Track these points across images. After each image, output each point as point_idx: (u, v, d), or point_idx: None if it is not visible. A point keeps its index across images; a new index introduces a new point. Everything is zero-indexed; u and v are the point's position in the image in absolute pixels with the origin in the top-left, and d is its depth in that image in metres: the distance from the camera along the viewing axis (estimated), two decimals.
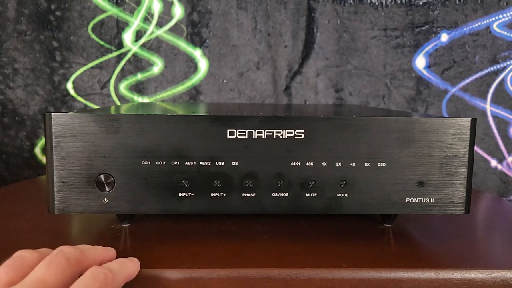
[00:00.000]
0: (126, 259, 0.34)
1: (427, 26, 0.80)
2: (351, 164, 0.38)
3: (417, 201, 0.39)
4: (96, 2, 0.80)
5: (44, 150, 0.59)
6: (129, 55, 0.81)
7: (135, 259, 0.35)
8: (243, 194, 0.38)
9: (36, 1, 0.79)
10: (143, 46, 0.81)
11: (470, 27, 0.79)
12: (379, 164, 0.38)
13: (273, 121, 0.37)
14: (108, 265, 0.32)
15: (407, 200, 0.39)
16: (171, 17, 0.81)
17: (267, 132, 0.38)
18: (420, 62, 0.81)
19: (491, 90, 0.80)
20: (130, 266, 0.33)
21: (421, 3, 0.79)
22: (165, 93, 0.83)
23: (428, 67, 0.81)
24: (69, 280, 0.29)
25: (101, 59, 0.81)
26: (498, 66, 0.80)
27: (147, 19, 0.81)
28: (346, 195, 0.39)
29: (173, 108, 0.55)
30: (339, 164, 0.38)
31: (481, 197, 0.63)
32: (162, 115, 0.37)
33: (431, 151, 0.38)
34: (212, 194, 0.38)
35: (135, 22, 0.81)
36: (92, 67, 0.82)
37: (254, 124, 0.37)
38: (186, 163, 0.38)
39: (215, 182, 0.38)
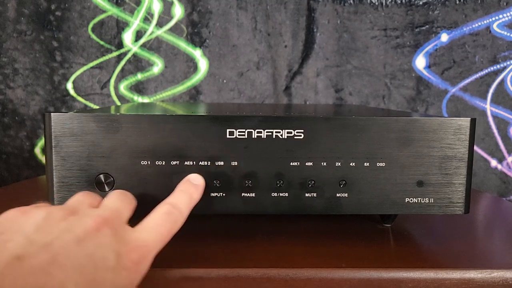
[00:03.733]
0: (191, 186, 0.36)
1: (427, 26, 0.80)
2: (351, 164, 0.38)
3: (416, 201, 0.39)
4: (96, 2, 0.80)
5: (44, 150, 0.59)
6: (129, 55, 0.81)
7: (200, 182, 0.36)
8: (243, 194, 0.38)
9: (36, 1, 0.79)
10: (143, 46, 0.81)
11: (470, 27, 0.79)
12: (378, 164, 0.38)
13: (272, 121, 0.37)
14: (178, 201, 0.34)
15: (406, 200, 0.39)
16: (171, 17, 0.81)
17: (266, 132, 0.38)
18: (420, 62, 0.81)
19: (491, 90, 0.80)
20: (195, 196, 0.36)
21: (421, 3, 0.79)
22: (165, 93, 0.83)
23: (428, 67, 0.81)
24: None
25: (101, 59, 0.81)
26: (498, 66, 0.80)
27: (147, 19, 0.81)
28: (346, 195, 0.39)
29: (173, 108, 0.55)
30: (339, 164, 0.38)
31: (480, 197, 0.63)
32: (162, 115, 0.37)
33: (431, 151, 0.38)
34: (212, 194, 0.38)
35: (135, 22, 0.81)
36: (92, 67, 0.82)
37: (254, 124, 0.37)
38: (185, 163, 0.38)
39: (214, 182, 0.38)
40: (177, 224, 0.33)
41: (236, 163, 0.38)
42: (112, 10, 0.80)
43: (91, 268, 0.26)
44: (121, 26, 0.81)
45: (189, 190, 0.36)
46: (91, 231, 0.27)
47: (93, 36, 0.81)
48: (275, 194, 0.38)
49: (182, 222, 0.34)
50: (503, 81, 0.80)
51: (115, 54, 0.81)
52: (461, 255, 0.39)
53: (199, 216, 0.47)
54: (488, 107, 0.81)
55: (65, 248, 0.25)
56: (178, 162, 0.37)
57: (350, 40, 0.81)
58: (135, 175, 0.37)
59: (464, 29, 0.79)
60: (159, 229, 0.31)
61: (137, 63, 0.82)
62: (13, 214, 0.28)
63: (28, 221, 0.27)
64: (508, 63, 0.79)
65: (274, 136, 0.38)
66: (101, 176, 0.37)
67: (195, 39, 0.81)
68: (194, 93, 0.83)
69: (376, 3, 0.80)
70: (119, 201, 0.33)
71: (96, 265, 0.26)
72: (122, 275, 0.27)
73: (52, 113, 0.36)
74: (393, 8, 0.80)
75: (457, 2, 0.79)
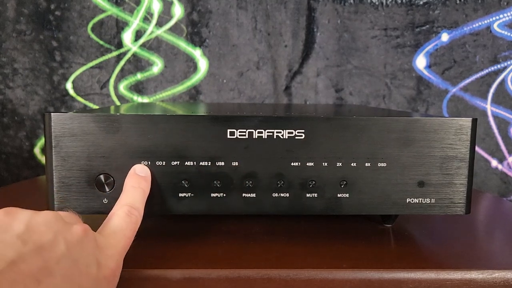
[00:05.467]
0: (141, 180, 0.36)
1: (427, 26, 0.80)
2: (352, 164, 0.38)
3: (417, 201, 0.39)
4: (95, 2, 0.80)
5: (43, 150, 0.59)
6: (128, 55, 0.81)
7: (147, 173, 0.36)
8: (243, 194, 0.38)
9: (35, 1, 0.79)
10: (143, 46, 0.81)
11: (471, 27, 0.79)
12: (379, 164, 0.38)
13: (273, 121, 0.37)
14: (135, 200, 0.34)
15: (407, 201, 0.39)
16: (171, 17, 0.81)
17: (267, 132, 0.37)
18: (420, 62, 0.81)
19: (491, 90, 0.80)
20: (147, 189, 0.36)
21: (421, 2, 0.79)
22: (165, 93, 0.83)
23: (429, 67, 0.81)
24: None
25: (100, 59, 0.81)
26: (499, 66, 0.80)
27: (146, 18, 0.80)
28: (347, 195, 0.39)
29: (173, 108, 0.55)
30: (340, 164, 0.38)
31: (481, 197, 0.63)
32: (162, 115, 0.37)
33: (432, 151, 0.38)
34: (212, 194, 0.38)
35: (135, 22, 0.80)
36: (91, 67, 0.81)
37: (255, 124, 0.37)
38: (186, 163, 0.37)
39: (215, 182, 0.38)
40: (137, 224, 0.33)
41: (236, 163, 0.38)
42: (112, 10, 0.80)
43: (77, 275, 0.25)
44: (120, 25, 0.81)
45: (141, 185, 0.35)
46: (79, 236, 0.27)
47: (93, 36, 0.81)
48: (276, 195, 0.38)
49: (141, 220, 0.34)
50: (503, 81, 0.80)
51: (114, 54, 0.81)
52: (462, 255, 0.39)
53: (199, 216, 0.47)
54: (488, 107, 0.81)
55: (56, 252, 0.25)
56: (178, 162, 0.37)
57: (351, 39, 0.81)
58: None
59: (465, 29, 0.79)
60: (125, 233, 0.31)
61: (137, 63, 0.82)
62: None
63: (15, 220, 0.25)
64: (509, 63, 0.79)
65: (275, 136, 0.37)
66: (101, 176, 0.37)
67: (195, 38, 0.81)
68: (194, 93, 0.83)
69: (377, 3, 0.80)
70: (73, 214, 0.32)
71: (81, 272, 0.26)
72: (103, 285, 0.27)
73: (52, 113, 0.36)
74: (394, 8, 0.80)
75: (458, 1, 0.79)
